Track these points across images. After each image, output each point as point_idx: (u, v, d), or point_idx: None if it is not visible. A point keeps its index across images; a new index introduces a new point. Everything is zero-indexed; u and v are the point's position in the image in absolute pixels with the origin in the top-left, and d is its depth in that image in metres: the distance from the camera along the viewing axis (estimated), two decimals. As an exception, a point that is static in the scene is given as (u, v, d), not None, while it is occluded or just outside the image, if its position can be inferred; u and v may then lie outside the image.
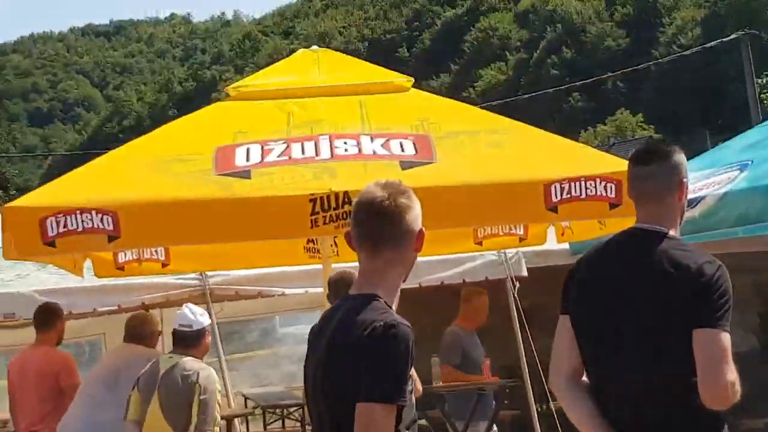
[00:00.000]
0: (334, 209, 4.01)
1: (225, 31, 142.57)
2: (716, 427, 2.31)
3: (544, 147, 4.90)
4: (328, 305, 4.08)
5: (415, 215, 2.15)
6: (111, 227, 3.97)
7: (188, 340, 4.45)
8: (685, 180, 2.49)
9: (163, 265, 5.90)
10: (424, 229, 2.17)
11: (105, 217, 3.97)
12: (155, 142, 4.77)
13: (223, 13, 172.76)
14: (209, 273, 6.89)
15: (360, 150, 4.50)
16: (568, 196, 4.14)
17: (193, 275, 6.89)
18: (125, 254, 5.74)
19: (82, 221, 3.97)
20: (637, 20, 66.06)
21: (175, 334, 4.51)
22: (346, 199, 4.01)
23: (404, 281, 2.23)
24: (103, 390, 4.50)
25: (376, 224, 2.08)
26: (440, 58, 76.00)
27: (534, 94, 47.18)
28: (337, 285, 4.27)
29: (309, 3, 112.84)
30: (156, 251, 5.81)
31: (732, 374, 2.19)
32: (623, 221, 4.35)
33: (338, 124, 4.76)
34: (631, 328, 2.33)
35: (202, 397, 4.21)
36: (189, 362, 4.35)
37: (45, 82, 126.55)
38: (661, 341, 2.29)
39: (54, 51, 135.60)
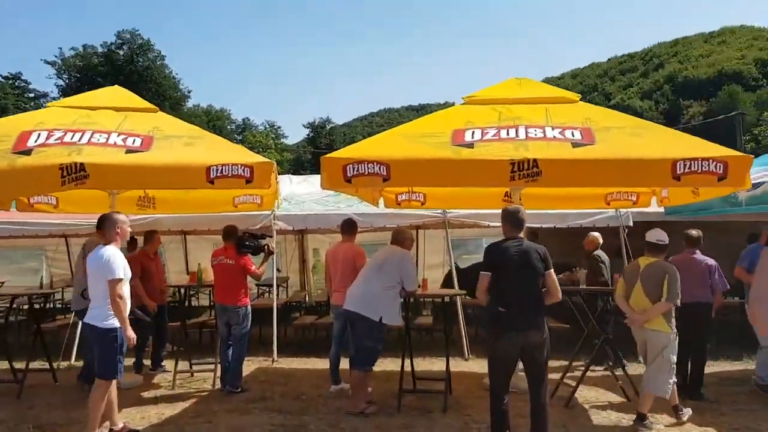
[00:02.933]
0: (526, 170, 5.38)
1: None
2: None
3: (671, 138, 5.94)
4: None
5: None
6: (385, 173, 5.54)
7: (660, 249, 5.86)
8: None
9: (422, 204, 8.27)
10: None
11: (382, 166, 5.51)
12: (410, 127, 6.34)
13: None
14: (448, 210, 9.35)
15: (545, 134, 5.80)
16: (689, 170, 5.18)
17: (438, 211, 9.32)
18: (402, 195, 8.14)
19: (368, 168, 5.52)
20: None
21: (652, 245, 5.87)
22: (534, 164, 5.46)
23: None
24: (374, 271, 6.10)
25: None
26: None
27: None
28: (514, 216, 5.22)
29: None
30: (419, 195, 8.14)
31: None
32: (717, 191, 5.89)
33: (531, 120, 6.11)
34: None
35: (668, 279, 5.59)
36: (660, 262, 5.79)
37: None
38: None
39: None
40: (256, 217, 9.26)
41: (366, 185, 6.06)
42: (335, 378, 6.94)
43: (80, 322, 6.99)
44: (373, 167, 5.61)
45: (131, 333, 5.31)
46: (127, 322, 5.28)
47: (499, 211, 8.76)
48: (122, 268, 5.29)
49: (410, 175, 5.72)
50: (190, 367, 7.80)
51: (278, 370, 8.13)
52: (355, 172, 5.63)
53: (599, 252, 8.25)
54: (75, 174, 5.66)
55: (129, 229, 5.69)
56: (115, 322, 5.24)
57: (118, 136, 6.31)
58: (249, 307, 6.99)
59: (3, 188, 6.14)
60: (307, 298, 13.75)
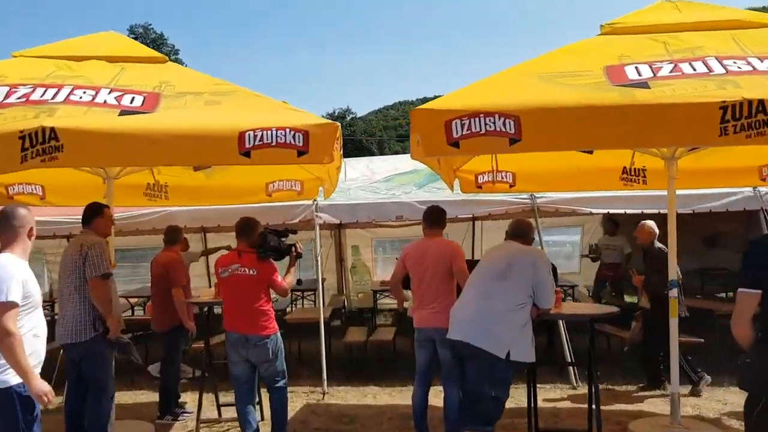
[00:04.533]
0: (746, 117, 3.36)
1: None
2: None
3: None
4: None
5: None
6: (513, 130, 3.59)
7: None
8: None
9: (510, 186, 6.28)
10: None
11: (507, 120, 3.59)
12: (540, 65, 4.27)
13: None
14: (536, 194, 7.35)
15: (754, 67, 3.82)
16: None
17: (525, 195, 7.35)
18: (484, 176, 6.18)
19: (486, 124, 3.62)
20: None
21: None
22: (760, 108, 3.42)
23: None
24: (494, 281, 4.13)
25: None
26: None
27: None
28: None
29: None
30: (506, 175, 6.17)
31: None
32: None
33: (719, 49, 4.16)
34: None
35: None
36: None
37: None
38: None
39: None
40: (295, 209, 7.34)
41: (482, 151, 4.10)
42: (420, 428, 4.92)
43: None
44: (494, 122, 3.63)
45: (39, 386, 3.19)
46: (30, 371, 3.18)
47: (615, 193, 7.04)
48: (17, 287, 3.20)
49: (554, 133, 3.64)
50: (218, 410, 5.82)
51: (333, 408, 6.14)
52: (465, 131, 3.65)
53: (660, 244, 6.35)
54: (42, 144, 3.72)
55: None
56: (9, 378, 3.19)
57: (110, 93, 4.36)
58: (279, 336, 4.81)
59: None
60: (346, 304, 11.80)
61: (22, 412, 3.21)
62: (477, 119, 3.62)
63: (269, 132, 3.87)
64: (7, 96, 4.20)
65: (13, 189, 6.38)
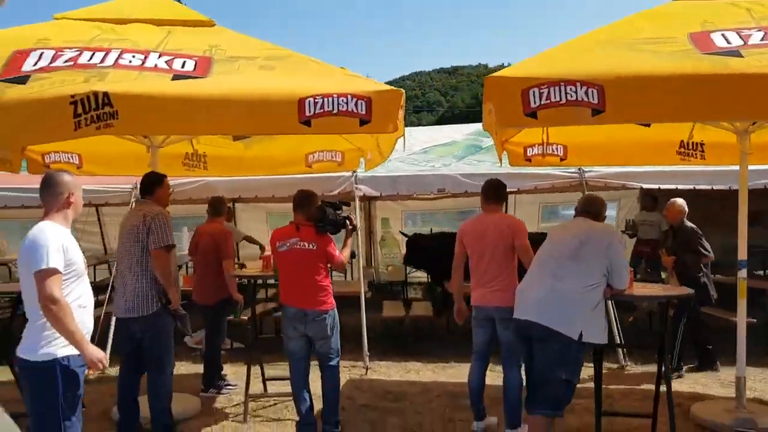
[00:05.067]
0: None
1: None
2: None
3: None
4: None
5: None
6: (596, 100, 3.39)
7: None
8: None
9: (561, 159, 5.99)
10: None
11: (590, 89, 3.38)
12: (620, 30, 4.02)
13: None
14: (585, 168, 7.00)
15: None
16: None
17: (573, 169, 7.03)
18: (533, 149, 5.89)
19: (566, 93, 3.42)
20: None
21: None
22: None
23: None
24: (565, 260, 3.89)
25: None
26: None
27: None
28: None
29: None
30: (557, 148, 5.92)
31: None
32: None
33: None
34: None
35: None
36: None
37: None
38: None
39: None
40: (334, 181, 7.12)
41: (561, 122, 3.82)
42: (478, 410, 4.77)
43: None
44: (575, 91, 3.43)
45: (94, 352, 3.07)
46: (82, 337, 3.06)
47: (666, 168, 6.79)
48: (57, 253, 3.07)
49: (642, 104, 3.44)
50: (264, 385, 5.71)
51: (377, 384, 6.02)
52: (544, 101, 3.44)
53: (690, 223, 6.29)
54: (96, 110, 3.50)
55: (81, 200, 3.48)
56: (55, 350, 3.09)
57: (159, 57, 4.12)
58: (336, 311, 4.64)
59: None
60: (374, 276, 11.67)
61: (63, 388, 3.07)
62: (557, 88, 3.42)
63: (330, 99, 3.67)
64: (53, 59, 3.99)
65: (50, 157, 6.19)
